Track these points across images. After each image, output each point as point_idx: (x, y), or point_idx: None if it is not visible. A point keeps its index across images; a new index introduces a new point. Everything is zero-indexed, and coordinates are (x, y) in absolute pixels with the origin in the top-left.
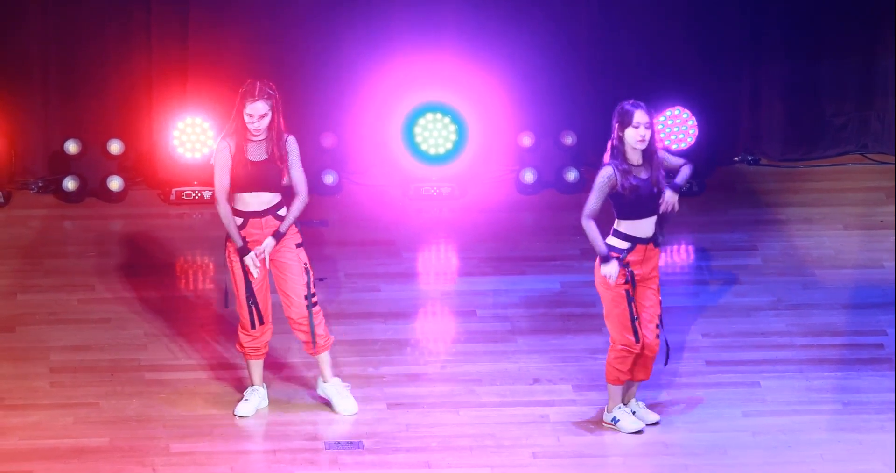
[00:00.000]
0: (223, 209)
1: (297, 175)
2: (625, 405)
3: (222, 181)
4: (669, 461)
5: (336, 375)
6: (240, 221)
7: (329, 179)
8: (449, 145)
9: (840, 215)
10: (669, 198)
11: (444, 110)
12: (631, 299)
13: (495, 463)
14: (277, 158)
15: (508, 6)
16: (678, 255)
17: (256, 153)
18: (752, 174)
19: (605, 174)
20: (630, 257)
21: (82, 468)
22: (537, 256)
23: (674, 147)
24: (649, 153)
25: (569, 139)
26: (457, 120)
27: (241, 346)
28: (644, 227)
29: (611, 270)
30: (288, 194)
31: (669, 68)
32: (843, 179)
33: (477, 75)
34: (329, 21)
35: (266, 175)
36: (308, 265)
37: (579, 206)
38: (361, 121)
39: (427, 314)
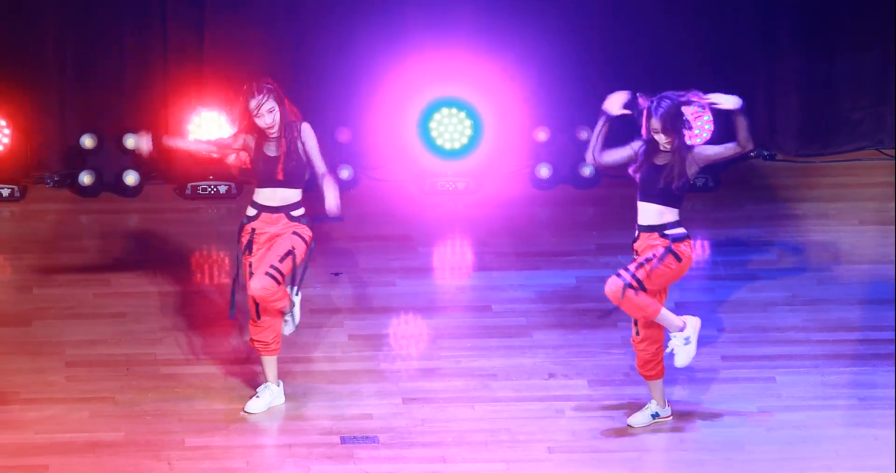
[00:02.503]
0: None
1: (315, 158)
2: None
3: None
4: (685, 456)
5: (350, 370)
6: (253, 212)
7: (345, 173)
8: (464, 140)
9: (856, 211)
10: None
11: (460, 105)
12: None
13: (510, 458)
14: (286, 153)
15: (524, 2)
16: (693, 250)
17: (272, 149)
18: (767, 169)
19: (638, 143)
20: (636, 246)
21: (98, 462)
22: (553, 251)
23: (689, 142)
24: (679, 148)
25: (584, 134)
26: (472, 115)
27: (251, 340)
28: (643, 212)
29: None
30: (307, 197)
31: (684, 63)
32: (859, 174)
33: (492, 70)
34: (345, 15)
35: (278, 171)
36: (294, 250)
37: (595, 201)
38: (377, 116)
39: (442, 308)
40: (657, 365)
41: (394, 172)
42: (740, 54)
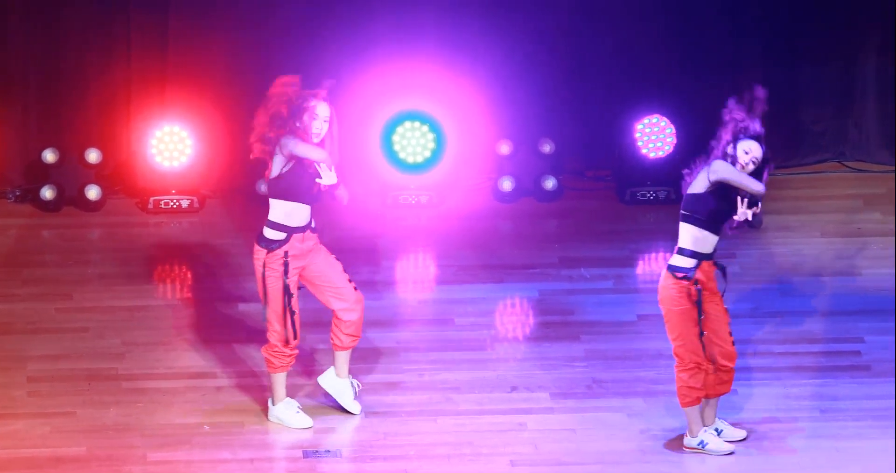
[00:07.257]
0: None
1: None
2: (707, 426)
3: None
4: (647, 468)
5: (312, 384)
6: (282, 236)
7: None
8: (427, 154)
9: (818, 223)
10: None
11: (423, 118)
12: (701, 315)
13: (473, 471)
14: (313, 168)
15: (487, 14)
16: (656, 262)
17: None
18: None
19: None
20: (699, 275)
21: None
22: (515, 264)
23: (651, 155)
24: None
25: (547, 147)
26: (435, 128)
27: (273, 364)
28: (713, 241)
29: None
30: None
31: (648, 76)
32: (821, 186)
33: (455, 83)
34: (308, 30)
35: (313, 186)
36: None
37: (557, 214)
38: (339, 129)
39: (405, 322)
40: (691, 393)
41: (357, 185)
42: (704, 67)
